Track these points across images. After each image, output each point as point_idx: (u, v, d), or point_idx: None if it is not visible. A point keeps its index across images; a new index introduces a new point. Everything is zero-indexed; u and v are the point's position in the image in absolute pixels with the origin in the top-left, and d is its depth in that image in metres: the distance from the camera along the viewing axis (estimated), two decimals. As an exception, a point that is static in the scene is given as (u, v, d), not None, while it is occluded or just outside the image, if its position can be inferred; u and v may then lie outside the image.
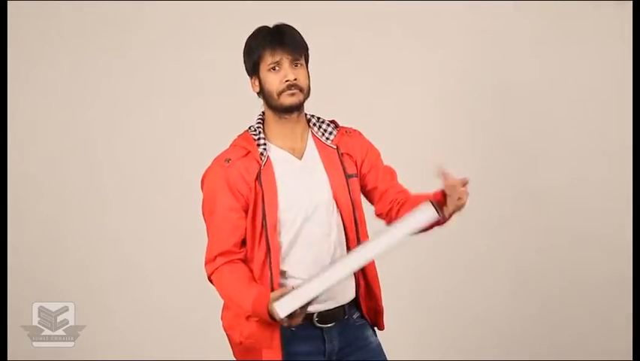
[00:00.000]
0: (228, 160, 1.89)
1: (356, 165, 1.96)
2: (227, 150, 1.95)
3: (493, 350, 3.16)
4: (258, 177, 1.86)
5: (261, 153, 1.88)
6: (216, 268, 1.85)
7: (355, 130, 2.02)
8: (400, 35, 3.14)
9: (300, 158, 1.92)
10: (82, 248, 3.21)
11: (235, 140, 1.97)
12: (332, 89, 2.78)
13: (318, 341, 1.89)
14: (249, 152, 1.89)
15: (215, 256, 1.86)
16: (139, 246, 3.21)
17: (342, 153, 1.94)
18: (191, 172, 3.18)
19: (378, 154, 2.03)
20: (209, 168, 1.94)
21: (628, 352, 2.71)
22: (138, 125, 3.22)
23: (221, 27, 3.16)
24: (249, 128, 1.96)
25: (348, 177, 1.92)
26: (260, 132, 1.92)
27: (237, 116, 3.18)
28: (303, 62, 1.89)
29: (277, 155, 1.90)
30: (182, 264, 3.20)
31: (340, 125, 2.01)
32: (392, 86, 3.15)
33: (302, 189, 1.89)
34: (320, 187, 1.90)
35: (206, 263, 1.89)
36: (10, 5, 3.04)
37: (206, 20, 3.18)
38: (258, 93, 1.94)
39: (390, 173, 2.01)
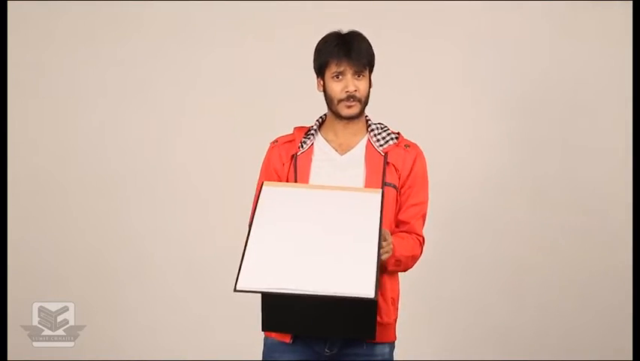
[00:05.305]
0: (276, 141, 2.08)
1: (399, 178, 1.99)
2: (284, 135, 2.10)
3: (492, 350, 3.15)
4: (294, 159, 1.99)
5: (303, 142, 2.02)
6: None
7: (416, 146, 2.05)
8: (400, 35, 3.14)
9: (343, 154, 2.01)
10: (82, 248, 3.21)
11: (294, 128, 2.11)
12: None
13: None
14: (293, 139, 2.04)
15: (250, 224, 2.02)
16: (139, 246, 3.21)
17: (387, 162, 1.98)
18: (192, 172, 3.22)
19: (421, 181, 2.02)
20: None
21: (628, 352, 2.71)
22: (139, 125, 3.22)
23: (222, 26, 3.17)
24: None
25: (385, 184, 1.96)
26: (315, 126, 2.06)
27: (238, 115, 3.22)
28: (366, 72, 1.99)
29: (321, 146, 2.03)
30: (182, 264, 3.21)
31: (404, 137, 2.05)
32: (392, 86, 3.14)
33: (332, 180, 1.94)
34: (350, 184, 1.94)
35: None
36: (10, 5, 3.04)
37: (206, 19, 3.18)
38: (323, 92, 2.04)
39: (417, 210, 2.00)
